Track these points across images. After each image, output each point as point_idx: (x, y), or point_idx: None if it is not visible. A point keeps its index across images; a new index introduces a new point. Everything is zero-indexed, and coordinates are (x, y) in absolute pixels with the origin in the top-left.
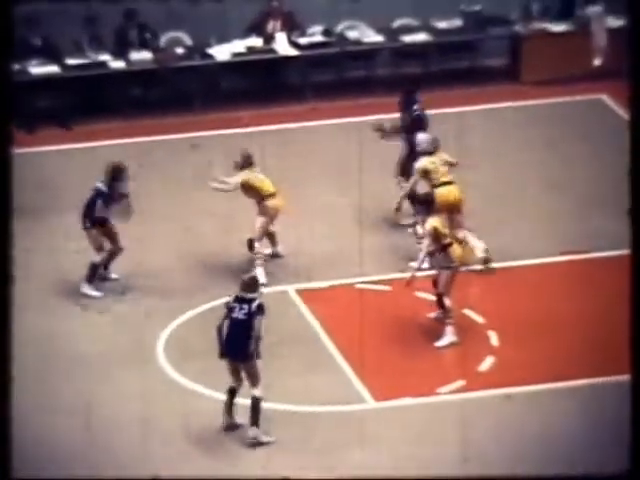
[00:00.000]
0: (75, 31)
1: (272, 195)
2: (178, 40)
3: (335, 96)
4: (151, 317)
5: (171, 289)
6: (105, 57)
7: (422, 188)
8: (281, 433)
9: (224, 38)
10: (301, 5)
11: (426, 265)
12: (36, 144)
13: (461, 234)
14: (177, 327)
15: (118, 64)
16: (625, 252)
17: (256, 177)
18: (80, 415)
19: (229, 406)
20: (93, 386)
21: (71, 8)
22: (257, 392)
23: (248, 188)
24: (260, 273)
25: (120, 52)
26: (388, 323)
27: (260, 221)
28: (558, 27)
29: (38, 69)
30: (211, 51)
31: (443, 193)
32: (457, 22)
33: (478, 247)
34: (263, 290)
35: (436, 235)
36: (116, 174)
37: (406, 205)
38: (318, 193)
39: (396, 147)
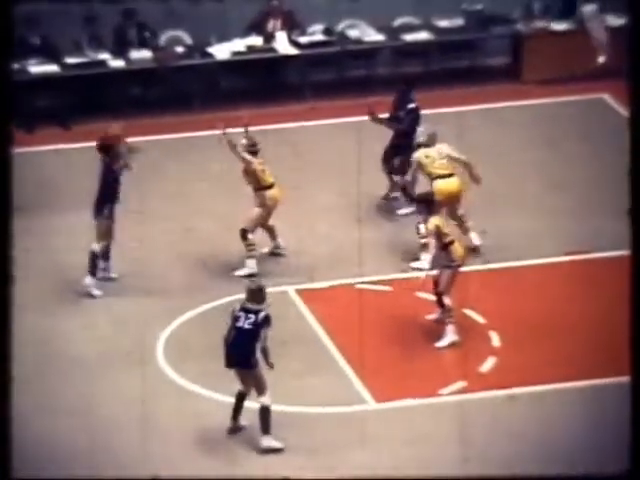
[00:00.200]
0: (74, 30)
1: (271, 186)
2: (178, 39)
3: (335, 95)
4: (151, 317)
5: (171, 289)
6: (104, 56)
7: (423, 187)
8: (281, 434)
9: (224, 37)
10: (301, 4)
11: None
12: (35, 144)
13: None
14: (177, 327)
15: (117, 63)
16: (627, 252)
17: (259, 164)
18: (79, 415)
19: (236, 411)
20: (92, 387)
21: (70, 7)
22: (265, 400)
23: (250, 172)
24: (251, 264)
25: (119, 51)
26: (388, 323)
27: (256, 212)
28: (560, 26)
29: (37, 68)
30: (211, 50)
31: (440, 185)
32: (458, 21)
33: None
34: (270, 301)
35: (438, 234)
36: (110, 149)
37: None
38: (318, 193)
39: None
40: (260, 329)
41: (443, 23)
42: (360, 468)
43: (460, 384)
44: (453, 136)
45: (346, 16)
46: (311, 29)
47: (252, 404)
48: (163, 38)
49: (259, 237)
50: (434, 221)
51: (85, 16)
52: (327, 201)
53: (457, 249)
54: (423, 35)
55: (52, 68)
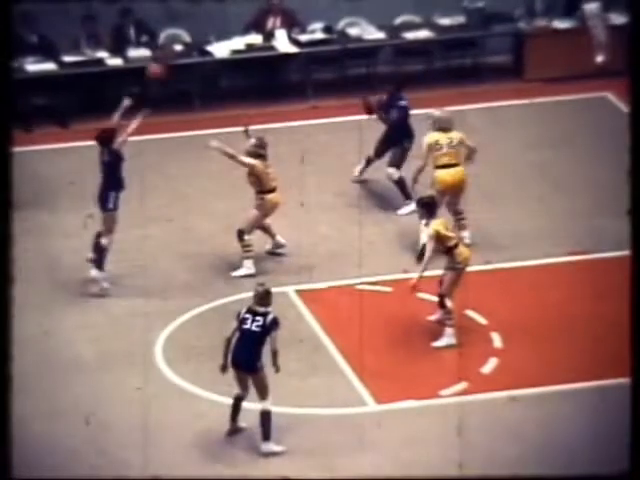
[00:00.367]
0: (72, 28)
1: (273, 190)
2: (177, 37)
3: (336, 94)
4: (150, 317)
5: (170, 289)
6: (102, 54)
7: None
8: (281, 436)
9: (223, 35)
10: (301, 2)
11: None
12: (33, 143)
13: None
14: (176, 328)
15: (116, 62)
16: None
17: (265, 167)
18: (77, 417)
19: (234, 413)
20: (90, 388)
21: (68, 5)
22: (266, 405)
23: (254, 175)
24: (248, 265)
25: (117, 50)
26: (389, 324)
27: (254, 214)
28: (562, 24)
29: (35, 67)
30: (210, 48)
31: (442, 175)
32: (460, 19)
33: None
34: (274, 303)
35: (439, 238)
36: (107, 139)
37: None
38: (319, 192)
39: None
40: (268, 332)
41: (444, 21)
42: (360, 471)
43: (461, 385)
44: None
45: (347, 14)
46: (311, 27)
47: (252, 405)
48: (162, 36)
49: (258, 237)
50: (434, 226)
51: (83, 14)
52: (328, 200)
53: (461, 252)
54: (424, 33)
55: (50, 66)
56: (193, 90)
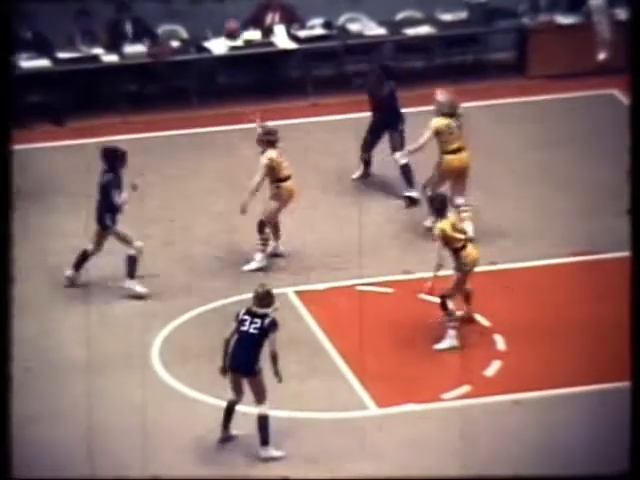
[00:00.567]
0: (67, 24)
1: (287, 178)
2: (173, 33)
3: (336, 91)
4: (147, 319)
5: (167, 290)
6: (98, 51)
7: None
8: (280, 441)
9: (221, 31)
10: None
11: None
12: (27, 141)
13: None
14: (174, 329)
15: (111, 58)
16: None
17: (278, 156)
18: (74, 417)
19: (226, 420)
20: (87, 389)
21: (62, 1)
22: (264, 409)
23: (270, 167)
24: (260, 258)
25: (113, 46)
26: (390, 326)
27: (273, 205)
28: (567, 19)
29: (29, 63)
30: (207, 45)
31: (449, 160)
32: (462, 14)
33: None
34: (277, 305)
35: (446, 239)
36: (115, 157)
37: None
38: (319, 191)
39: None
40: (266, 334)
41: (446, 17)
42: (361, 476)
43: (465, 389)
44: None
45: (347, 10)
46: (311, 23)
47: (250, 409)
48: (158, 32)
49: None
50: (441, 225)
51: (78, 10)
52: (328, 199)
53: (468, 254)
54: (426, 29)
55: (44, 63)
56: (190, 87)
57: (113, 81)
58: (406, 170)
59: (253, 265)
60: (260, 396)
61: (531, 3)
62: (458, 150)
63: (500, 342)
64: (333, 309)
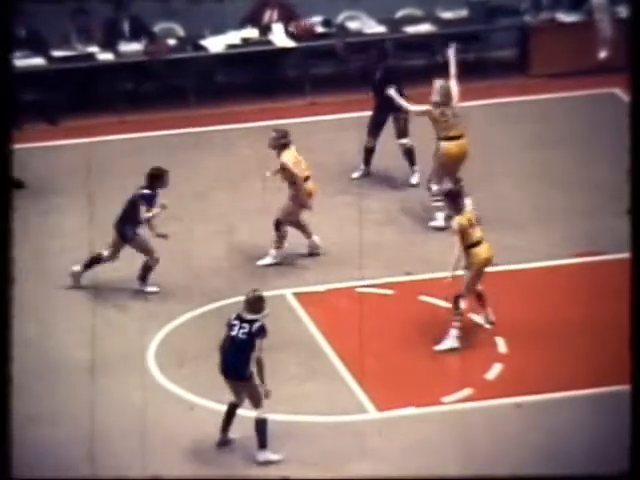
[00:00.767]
0: (62, 22)
1: (307, 178)
2: (170, 31)
3: (335, 90)
4: (144, 320)
5: (166, 292)
6: (94, 49)
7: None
8: (279, 444)
9: (218, 29)
10: None
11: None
12: (21, 140)
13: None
14: (170, 332)
15: (107, 56)
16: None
17: (296, 157)
18: (71, 419)
19: (226, 422)
20: (83, 391)
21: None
22: (260, 413)
23: (287, 168)
24: (274, 254)
25: (109, 44)
26: (390, 328)
27: (290, 205)
28: (569, 17)
29: (23, 62)
30: (205, 43)
31: (445, 146)
32: (463, 12)
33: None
34: (267, 312)
35: (463, 233)
36: (159, 179)
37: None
38: (318, 192)
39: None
40: (254, 339)
41: (447, 15)
42: (361, 476)
43: (465, 392)
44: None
45: (346, 7)
46: (309, 21)
47: (247, 412)
48: (155, 30)
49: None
50: (459, 220)
51: (74, 8)
52: (327, 200)
53: (479, 253)
54: (426, 27)
55: (39, 61)
56: (188, 86)
57: (109, 80)
58: (410, 152)
59: (267, 260)
60: (255, 400)
61: (533, 1)
62: (455, 138)
63: (501, 344)
64: (332, 311)
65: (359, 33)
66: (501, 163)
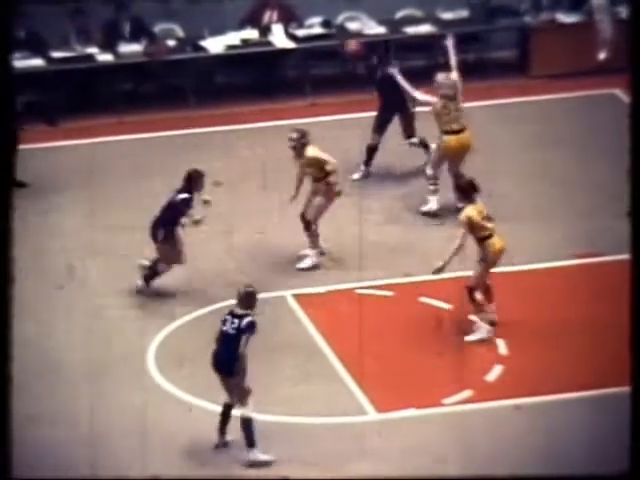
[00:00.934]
0: (61, 23)
1: (335, 172)
2: (170, 32)
3: (336, 91)
4: (144, 322)
5: (165, 294)
6: (93, 50)
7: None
8: (277, 446)
9: (218, 30)
10: None
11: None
12: (21, 142)
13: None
14: (170, 333)
15: (107, 57)
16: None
17: (321, 153)
18: (68, 421)
19: (223, 423)
20: (81, 394)
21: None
22: (246, 411)
23: (314, 164)
24: (312, 255)
25: (108, 45)
26: (390, 330)
27: (319, 201)
28: (569, 18)
29: (22, 63)
30: (204, 43)
31: (447, 140)
32: (463, 13)
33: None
34: (258, 311)
35: (472, 226)
36: (197, 180)
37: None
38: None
39: (399, 147)
40: (241, 335)
41: (447, 15)
42: (360, 476)
43: (466, 394)
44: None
45: (346, 8)
46: (309, 21)
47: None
48: (154, 31)
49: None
50: (467, 212)
51: (74, 9)
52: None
53: (493, 244)
54: (426, 28)
55: (38, 62)
56: (187, 87)
57: (108, 81)
58: (423, 143)
59: (308, 262)
60: (241, 397)
61: (533, 2)
62: (458, 131)
63: (502, 346)
64: (332, 312)
65: (359, 34)
66: (501, 163)
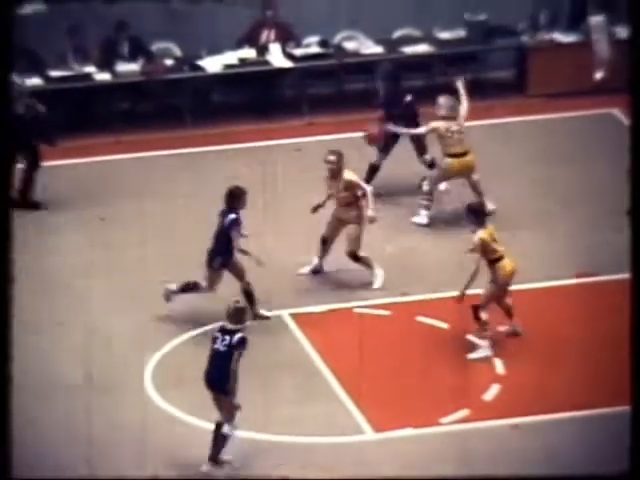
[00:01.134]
0: (59, 42)
1: (367, 196)
2: (167, 51)
3: (333, 110)
4: (142, 340)
5: (163, 312)
6: (90, 69)
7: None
8: (276, 465)
9: (215, 49)
10: (297, 14)
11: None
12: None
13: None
14: (167, 352)
15: (104, 76)
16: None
17: (357, 176)
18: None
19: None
20: (76, 410)
21: (55, 18)
22: (226, 428)
23: (350, 187)
24: (379, 275)
25: (106, 64)
26: (388, 349)
27: (354, 230)
28: (567, 38)
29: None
30: (202, 63)
31: (449, 163)
32: (461, 32)
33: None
34: (248, 324)
35: (485, 248)
36: (240, 198)
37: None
38: (315, 214)
39: (397, 165)
40: (233, 351)
41: (445, 35)
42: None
43: (463, 413)
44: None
45: (343, 28)
46: (306, 41)
47: (244, 433)
48: (152, 50)
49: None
50: (481, 234)
51: (70, 27)
52: (324, 221)
53: (504, 266)
54: (424, 47)
55: (35, 81)
56: (184, 106)
57: (106, 100)
58: (433, 164)
59: (377, 283)
60: (226, 414)
61: (530, 21)
62: (460, 154)
63: (499, 366)
64: (330, 331)
65: (356, 53)
66: (500, 182)
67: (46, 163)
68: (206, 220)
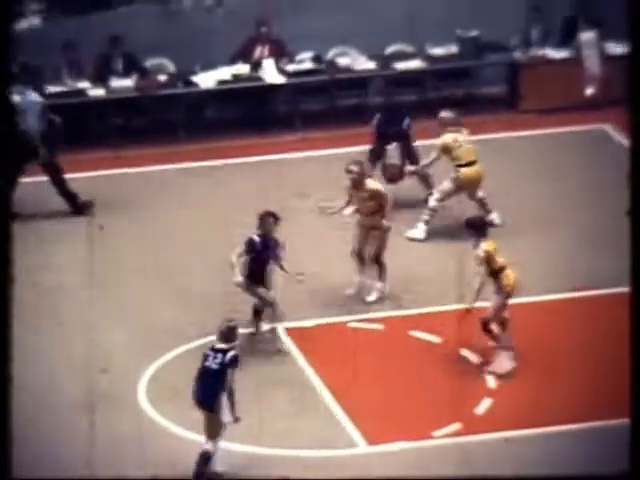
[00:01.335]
0: (54, 57)
1: (389, 205)
2: (161, 67)
3: (326, 126)
4: (136, 353)
5: (158, 325)
6: (84, 85)
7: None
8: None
9: (209, 65)
10: (290, 30)
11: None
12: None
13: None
14: (162, 366)
15: (99, 92)
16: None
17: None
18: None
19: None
20: (70, 423)
21: (49, 34)
22: (210, 447)
23: (375, 196)
24: (378, 289)
25: (100, 79)
26: (380, 363)
27: (380, 237)
28: (558, 54)
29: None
30: (195, 78)
31: (465, 172)
32: (453, 48)
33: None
34: (238, 343)
35: (489, 260)
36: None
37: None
38: (310, 228)
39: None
40: (226, 369)
41: (437, 51)
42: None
43: (455, 426)
44: (447, 167)
45: (336, 43)
46: (300, 57)
47: (229, 445)
48: (145, 65)
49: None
50: (484, 247)
51: (64, 42)
52: (319, 236)
53: (508, 276)
54: (416, 63)
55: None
56: (178, 121)
57: (100, 115)
58: (426, 177)
59: (374, 295)
60: (212, 432)
61: (522, 37)
62: (472, 163)
63: (491, 380)
64: (323, 346)
65: (349, 69)
66: (492, 197)
67: (42, 178)
68: (200, 232)
